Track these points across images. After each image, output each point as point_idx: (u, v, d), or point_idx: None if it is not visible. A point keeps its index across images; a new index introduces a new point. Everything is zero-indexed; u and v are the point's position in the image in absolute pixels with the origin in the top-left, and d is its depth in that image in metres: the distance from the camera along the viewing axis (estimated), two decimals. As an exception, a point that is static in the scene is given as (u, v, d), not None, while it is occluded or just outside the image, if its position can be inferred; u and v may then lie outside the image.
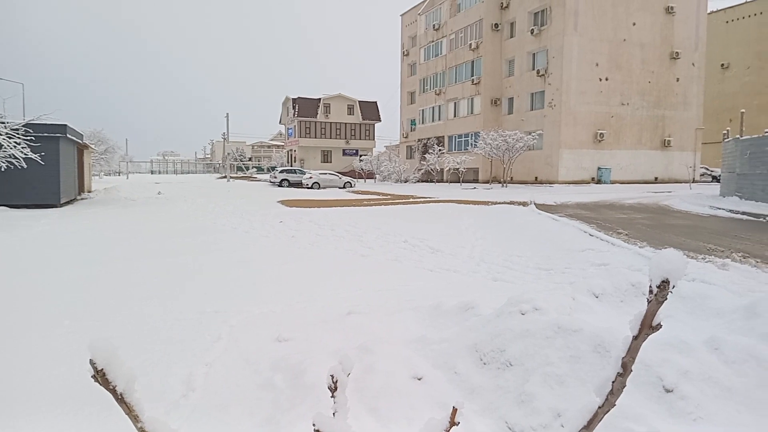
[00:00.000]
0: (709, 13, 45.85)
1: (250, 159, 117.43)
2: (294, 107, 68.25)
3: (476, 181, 44.71)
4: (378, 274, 8.35)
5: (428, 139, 52.41)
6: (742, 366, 3.59)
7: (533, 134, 37.83)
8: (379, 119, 73.07)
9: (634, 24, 39.91)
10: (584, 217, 15.75)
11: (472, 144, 43.62)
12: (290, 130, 72.73)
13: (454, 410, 1.29)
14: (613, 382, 1.11)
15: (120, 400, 1.07)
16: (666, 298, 0.99)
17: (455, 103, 48.88)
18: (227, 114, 57.77)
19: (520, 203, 20.16)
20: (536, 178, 40.81)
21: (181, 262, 9.29)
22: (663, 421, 3.23)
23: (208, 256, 10.02)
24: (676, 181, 41.20)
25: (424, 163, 47.28)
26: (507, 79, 44.59)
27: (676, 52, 41.25)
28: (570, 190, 31.80)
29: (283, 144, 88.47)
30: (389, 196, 28.58)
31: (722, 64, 54.92)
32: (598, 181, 39.58)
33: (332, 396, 1.36)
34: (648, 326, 1.05)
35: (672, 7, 40.80)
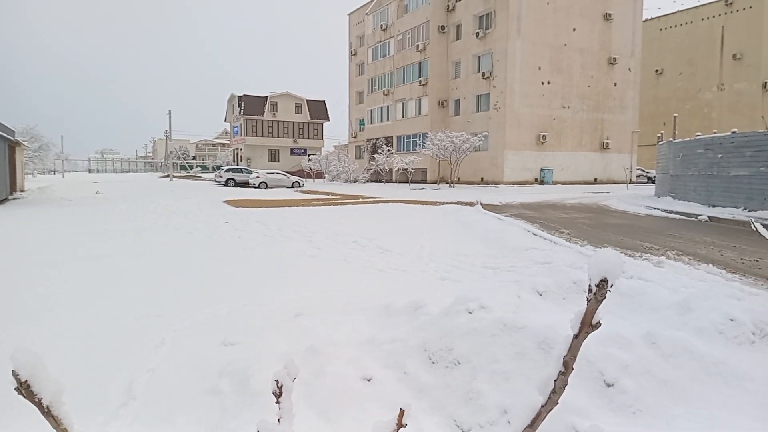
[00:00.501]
0: (644, 21, 48.03)
1: (194, 158, 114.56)
2: (240, 105, 66.97)
3: (425, 181, 45.18)
4: (327, 275, 8.30)
5: (377, 139, 52.56)
6: (678, 359, 3.77)
7: (479, 135, 38.59)
8: (327, 118, 72.70)
9: (574, 29, 41.31)
10: (528, 216, 16.17)
11: (420, 144, 44.04)
12: (236, 129, 71.33)
13: (401, 412, 1.28)
14: (555, 380, 1.13)
15: (47, 413, 1.01)
16: (605, 297, 1.01)
17: (403, 103, 49.23)
18: (169, 111, 56.10)
19: (467, 203, 20.50)
20: (482, 178, 41.62)
21: (118, 265, 8.94)
22: (604, 414, 3.35)
23: (148, 258, 9.69)
24: (614, 182, 42.92)
25: (373, 163, 47.39)
26: (454, 80, 45.27)
27: (614, 58, 42.98)
28: (514, 191, 32.60)
29: (228, 142, 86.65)
30: (338, 196, 28.48)
31: (656, 70, 57.59)
32: (541, 182, 40.76)
33: (277, 402, 1.33)
34: (588, 324, 1.08)
35: (610, 14, 42.49)
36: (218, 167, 56.68)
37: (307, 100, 70.81)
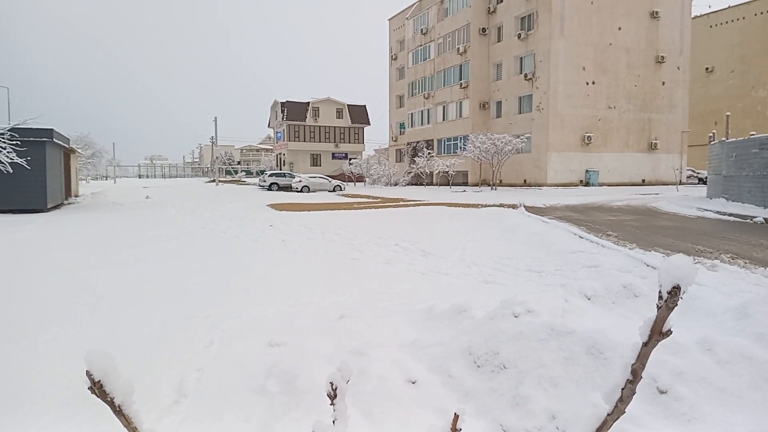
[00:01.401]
0: (693, 18, 46.42)
1: (239, 163, 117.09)
2: (283, 111, 68.15)
3: (466, 183, 44.85)
4: (369, 278, 8.33)
5: (417, 142, 52.53)
6: (735, 366, 3.62)
7: (521, 137, 38.07)
8: (368, 123, 73.18)
9: (619, 28, 40.31)
10: (573, 219, 15.84)
11: (461, 147, 43.79)
12: (279, 134, 72.57)
13: (456, 417, 1.28)
14: (622, 389, 1.10)
15: (118, 412, 1.05)
16: (676, 304, 0.98)
17: (444, 106, 49.05)
18: (215, 118, 57.54)
19: (509, 206, 20.24)
20: (525, 180, 41.02)
21: (168, 268, 9.21)
22: (658, 422, 3.24)
23: (197, 261, 9.95)
24: (663, 183, 41.61)
25: (414, 166, 47.37)
26: (495, 82, 44.84)
27: (662, 56, 41.71)
28: (558, 193, 32.00)
29: (272, 148, 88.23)
30: (379, 200, 28.58)
31: (707, 68, 55.62)
32: (586, 184, 39.86)
33: (332, 404, 1.34)
34: (658, 332, 1.05)
35: (657, 12, 41.28)
36: (262, 172, 57.78)
37: (348, 105, 71.47)
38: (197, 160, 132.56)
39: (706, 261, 8.53)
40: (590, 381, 3.56)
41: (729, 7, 54.99)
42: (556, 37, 38.47)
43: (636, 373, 1.08)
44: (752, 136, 19.54)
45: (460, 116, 46.73)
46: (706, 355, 3.65)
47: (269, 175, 43.76)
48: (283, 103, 68.75)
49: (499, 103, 44.47)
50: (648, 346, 1.06)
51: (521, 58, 41.87)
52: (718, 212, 17.41)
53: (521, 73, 41.61)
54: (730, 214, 16.60)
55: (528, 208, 19.06)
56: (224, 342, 5.15)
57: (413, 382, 4.12)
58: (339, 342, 4.90)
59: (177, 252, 10.91)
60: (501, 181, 40.60)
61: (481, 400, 3.86)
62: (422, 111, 52.56)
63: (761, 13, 51.47)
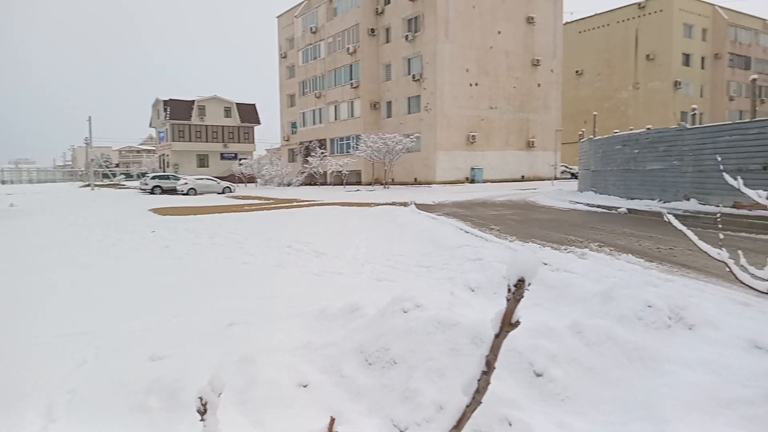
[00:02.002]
0: (564, 24, 50.20)
1: (117, 165, 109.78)
2: (165, 109, 64.68)
3: (359, 183, 45.25)
4: (261, 282, 8.13)
5: (310, 141, 52.18)
6: (602, 347, 3.95)
7: (411, 137, 39.09)
8: (258, 122, 71.51)
9: (499, 32, 42.62)
10: (460, 215, 16.52)
11: (353, 147, 44.10)
12: (162, 134, 68.83)
13: (332, 420, 1.27)
14: (478, 380, 1.15)
15: None
16: (522, 296, 1.04)
17: (336, 106, 49.13)
18: (89, 117, 53.35)
19: (401, 204, 20.70)
20: (416, 179, 42.17)
21: (35, 281, 8.40)
22: (535, 404, 3.45)
23: (68, 272, 9.16)
24: (540, 179, 44.61)
25: (307, 166, 47.02)
26: (385, 83, 45.64)
27: (537, 60, 44.67)
28: (447, 190, 33.23)
29: (154, 148, 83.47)
30: (272, 201, 28.03)
31: (577, 71, 60.37)
32: (472, 181, 41.77)
33: (202, 419, 1.28)
34: (508, 324, 1.10)
35: (532, 18, 44.13)
36: (144, 174, 54.45)
37: (236, 103, 69.36)
38: (69, 162, 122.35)
39: (576, 250, 9.25)
40: (474, 369, 3.72)
41: (595, 15, 60.08)
42: (441, 39, 39.89)
43: (490, 364, 1.13)
44: (615, 134, 21.50)
45: (352, 116, 47.06)
46: (576, 337, 3.95)
47: (152, 178, 41.45)
48: (165, 101, 65.25)
49: (389, 103, 45.32)
50: (499, 337, 1.11)
51: (409, 59, 42.95)
52: (587, 204, 18.97)
53: (409, 74, 42.69)
54: (598, 206, 18.15)
55: (418, 206, 19.60)
56: (100, 359, 4.79)
57: (305, 386, 4.08)
58: (227, 350, 4.74)
59: (43, 264, 9.98)
60: (393, 179, 41.42)
61: (373, 397, 3.90)
62: (314, 110, 52.29)
63: (623, 20, 56.77)
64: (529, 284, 1.03)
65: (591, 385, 3.59)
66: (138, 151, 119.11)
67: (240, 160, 58.97)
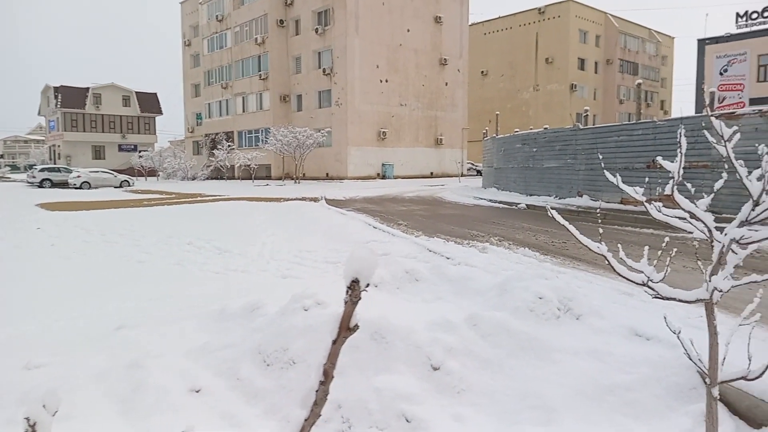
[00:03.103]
0: (470, 25, 51.82)
1: (2, 156, 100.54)
2: (56, 97, 59.91)
3: (269, 177, 44.29)
4: (157, 282, 7.70)
5: (216, 134, 50.33)
6: (497, 338, 4.06)
7: (322, 131, 38.75)
8: (160, 112, 68.04)
9: (408, 30, 43.23)
10: (370, 210, 16.59)
11: (262, 140, 43.04)
12: (52, 123, 63.71)
13: None
14: (316, 391, 1.08)
15: None
16: (359, 298, 0.99)
17: (243, 97, 47.73)
18: (-35, 102, 48.29)
19: (311, 199, 20.47)
20: (327, 174, 41.93)
21: None
22: (432, 397, 3.49)
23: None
24: (448, 175, 45.84)
25: (213, 159, 45.33)
26: (295, 75, 44.92)
27: (445, 59, 45.80)
28: (358, 186, 33.31)
29: (43, 138, 77.13)
30: (174, 195, 26.76)
31: (482, 71, 62.58)
32: (383, 176, 42.17)
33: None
34: (346, 328, 1.04)
35: (440, 17, 45.15)
36: (31, 166, 50.09)
37: (136, 92, 65.56)
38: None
39: (478, 244, 9.55)
40: (373, 365, 3.70)
41: (499, 17, 62.53)
42: (351, 34, 39.83)
43: (327, 374, 1.07)
44: (516, 133, 22.48)
45: (261, 108, 45.93)
46: (473, 330, 4.04)
47: (40, 170, 38.27)
48: (56, 88, 60.40)
49: (299, 97, 44.68)
50: (337, 343, 1.05)
51: (320, 52, 42.55)
52: (490, 200, 19.71)
53: (320, 67, 42.30)
54: (500, 202, 18.91)
55: (329, 201, 19.48)
56: (-37, 371, 4.30)
57: (197, 391, 3.88)
58: (114, 355, 4.42)
59: None
60: (304, 174, 40.92)
61: (271, 399, 3.78)
62: (220, 101, 50.48)
63: (524, 24, 59.50)
64: (368, 285, 0.98)
65: (486, 376, 3.68)
66: (26, 142, 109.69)
67: (140, 152, 55.73)
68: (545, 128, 20.59)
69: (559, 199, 18.13)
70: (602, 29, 59.82)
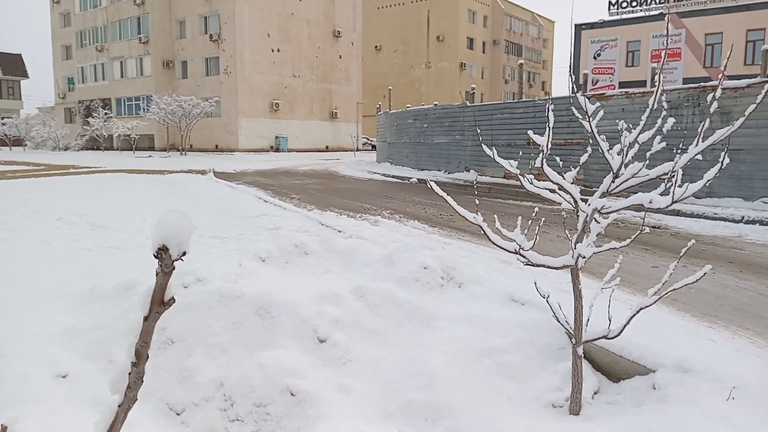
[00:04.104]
0: (363, -2, 51.55)
1: None
2: None
3: (152, 149, 41.70)
4: (19, 261, 6.99)
5: (92, 101, 46.35)
6: (383, 309, 4.12)
7: (210, 100, 37.00)
8: (25, 75, 61.43)
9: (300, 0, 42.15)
10: (262, 184, 16.17)
11: (144, 108, 40.29)
12: None
13: (4, 429, 1.03)
14: (129, 374, 1.00)
15: None
16: (172, 267, 0.92)
17: (122, 62, 44.24)
18: None
19: (198, 172, 19.56)
20: (217, 146, 40.24)
21: None
22: (318, 369, 3.47)
23: None
24: (344, 150, 45.82)
25: (88, 128, 41.80)
26: (179, 40, 42.30)
27: (338, 31, 45.27)
28: (251, 158, 32.32)
29: None
30: (43, 167, 24.41)
31: (376, 46, 62.68)
32: (277, 149, 41.24)
33: None
34: (159, 302, 0.96)
35: (333, -12, 44.48)
36: None
37: (-5, 51, 58.51)
38: None
39: (370, 217, 9.65)
40: (258, 341, 3.62)
41: (392, -8, 62.82)
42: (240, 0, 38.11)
43: (140, 354, 0.99)
44: (408, 108, 22.84)
45: (142, 74, 42.86)
46: (360, 301, 4.07)
47: None
48: None
49: (184, 63, 42.20)
50: (150, 319, 0.97)
51: (206, 17, 40.32)
52: (384, 175, 19.97)
53: (207, 33, 40.15)
54: (393, 176, 19.21)
55: (218, 174, 18.73)
56: None
57: (64, 376, 3.58)
58: (-37, 344, 3.95)
59: None
60: (192, 146, 38.96)
61: (146, 380, 3.56)
62: (95, 65, 46.43)
63: (417, 1, 60.16)
64: (184, 253, 0.91)
65: (372, 346, 3.73)
66: None
67: (3, 119, 50.02)
68: (435, 104, 21.10)
69: (449, 173, 18.75)
70: (489, 10, 62.04)
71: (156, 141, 41.91)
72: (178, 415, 3.32)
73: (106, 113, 41.80)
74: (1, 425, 0.98)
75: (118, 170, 21.33)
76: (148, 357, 0.93)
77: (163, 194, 13.64)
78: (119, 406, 0.95)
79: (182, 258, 0.87)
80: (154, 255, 0.86)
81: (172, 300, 0.91)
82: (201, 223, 9.84)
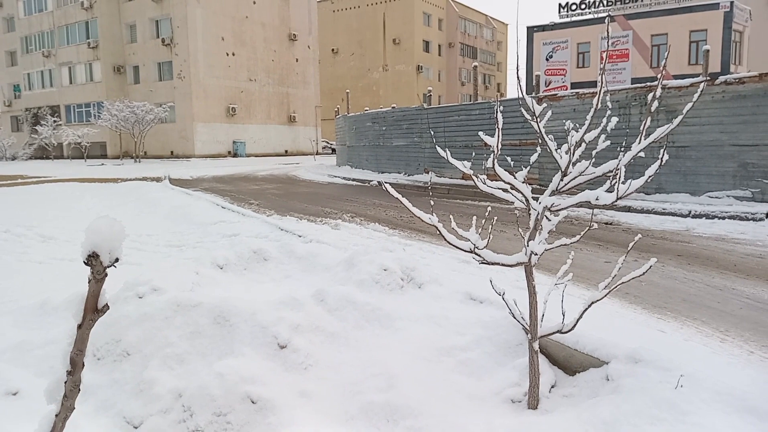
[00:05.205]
0: (319, 1, 51.36)
1: None
2: None
3: (105, 156, 40.52)
4: (-38, 276, 6.68)
5: (39, 108, 44.70)
6: (343, 312, 4.12)
7: (164, 106, 36.22)
8: (-34, 82, 58.60)
9: (254, 2, 41.71)
10: (220, 190, 15.93)
11: (95, 115, 39.11)
12: None
13: None
14: (65, 382, 0.99)
15: None
16: (104, 274, 0.91)
17: (70, 67, 42.84)
18: None
19: (153, 179, 19.12)
20: (172, 152, 39.40)
21: None
22: (278, 376, 3.44)
23: None
24: (303, 153, 45.55)
25: (36, 136, 40.28)
26: (130, 45, 41.27)
27: (294, 34, 45.00)
28: (207, 164, 31.77)
29: None
30: (-13, 178, 23.38)
31: (333, 49, 62.57)
32: (235, 155, 40.66)
33: None
34: (93, 310, 0.95)
35: (288, -9, 44.18)
36: None
37: (-69, 57, 55.66)
38: None
39: (331, 221, 9.63)
40: (217, 350, 3.57)
41: (347, -5, 62.80)
42: (192, 2, 37.45)
43: (75, 363, 0.98)
44: (366, 111, 22.88)
45: (92, 80, 41.59)
46: (320, 305, 4.06)
47: None
48: None
49: (136, 68, 41.17)
50: (83, 327, 0.96)
51: (157, 21, 39.46)
52: (344, 178, 19.94)
53: (158, 37, 39.28)
54: (354, 179, 19.21)
55: (174, 181, 18.35)
56: None
57: (14, 394, 3.45)
58: None
59: None
60: (146, 153, 38.03)
61: (102, 394, 3.48)
62: (42, 71, 44.81)
63: (372, 4, 60.34)
64: (117, 259, 0.90)
65: (332, 349, 3.72)
66: None
67: (-59, 127, 47.68)
68: (393, 107, 21.21)
69: (408, 176, 18.88)
70: (444, 13, 62.77)
71: (108, 149, 40.72)
72: (136, 428, 3.24)
73: (54, 121, 40.36)
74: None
75: (69, 179, 20.64)
76: (83, 365, 0.91)
77: (116, 203, 13.29)
78: (56, 415, 0.93)
79: (114, 264, 0.86)
80: (84, 262, 0.85)
81: (106, 307, 0.90)
82: (156, 231, 9.63)
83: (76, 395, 0.91)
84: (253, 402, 3.15)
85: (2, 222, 10.47)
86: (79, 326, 0.90)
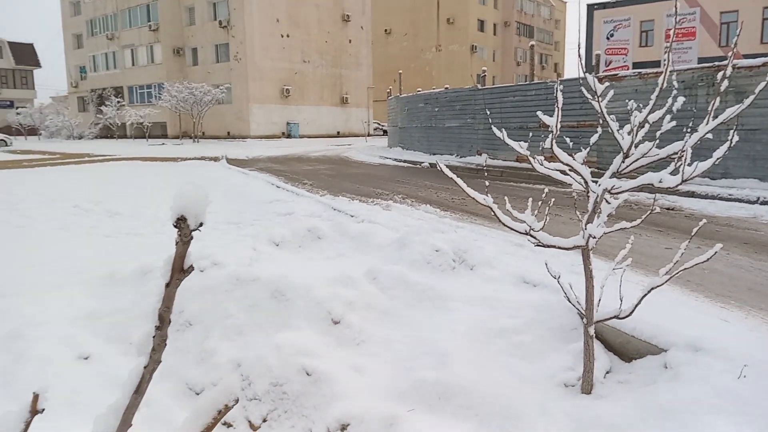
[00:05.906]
0: (372, -18, 51.04)
1: None
2: None
3: (165, 136, 41.96)
4: (38, 247, 7.13)
5: (104, 89, 46.62)
6: (395, 291, 4.18)
7: (221, 87, 37.07)
8: (38, 65, 61.85)
9: (309, -17, 41.88)
10: (274, 170, 16.25)
11: (156, 96, 40.47)
12: None
13: (35, 397, 1.09)
14: (153, 336, 1.05)
15: None
16: (190, 237, 0.96)
17: (132, 50, 44.37)
18: None
19: (211, 159, 19.69)
20: (229, 132, 40.38)
21: None
22: (332, 350, 3.54)
23: None
24: (355, 135, 45.76)
25: (101, 116, 42.10)
26: (189, 27, 42.30)
27: (348, 15, 44.96)
28: (262, 145, 32.41)
29: None
30: (58, 156, 24.69)
31: (386, 30, 62.19)
32: (288, 136, 41.29)
33: None
34: (179, 270, 1.01)
35: (341, -29, 44.09)
36: None
37: (9, 42, 58.92)
38: None
39: (382, 202, 9.69)
40: (273, 324, 3.69)
41: (401, -26, 62.10)
42: (249, -15, 37.97)
43: (163, 318, 1.04)
44: (419, 93, 22.72)
45: (153, 62, 42.97)
46: (372, 284, 4.13)
47: None
48: None
49: (194, 50, 42.23)
50: (171, 286, 1.02)
51: (215, 3, 40.24)
52: (395, 159, 19.95)
53: (216, 19, 40.09)
54: (405, 161, 19.19)
55: (231, 161, 18.84)
56: None
57: (86, 358, 3.69)
58: (-12, 327, 4.07)
59: None
60: (204, 133, 39.13)
61: (166, 361, 3.65)
62: (107, 54, 46.60)
63: (427, -17, 59.51)
64: (201, 224, 0.95)
65: (384, 327, 3.78)
66: None
67: (17, 108, 50.50)
68: (446, 88, 20.97)
69: (460, 158, 18.69)
70: (501, -9, 61.21)
71: (169, 128, 42.14)
72: (197, 394, 3.41)
73: (118, 101, 42.05)
74: (33, 393, 1.04)
75: (133, 158, 21.53)
76: (170, 321, 0.98)
77: (177, 181, 13.76)
78: (145, 367, 1.00)
79: (199, 228, 0.91)
80: (174, 225, 0.90)
81: (191, 268, 0.96)
82: (215, 209, 9.94)
83: (163, 349, 0.98)
84: (308, 374, 3.25)
85: (72, 198, 11.08)
86: (167, 285, 0.96)
